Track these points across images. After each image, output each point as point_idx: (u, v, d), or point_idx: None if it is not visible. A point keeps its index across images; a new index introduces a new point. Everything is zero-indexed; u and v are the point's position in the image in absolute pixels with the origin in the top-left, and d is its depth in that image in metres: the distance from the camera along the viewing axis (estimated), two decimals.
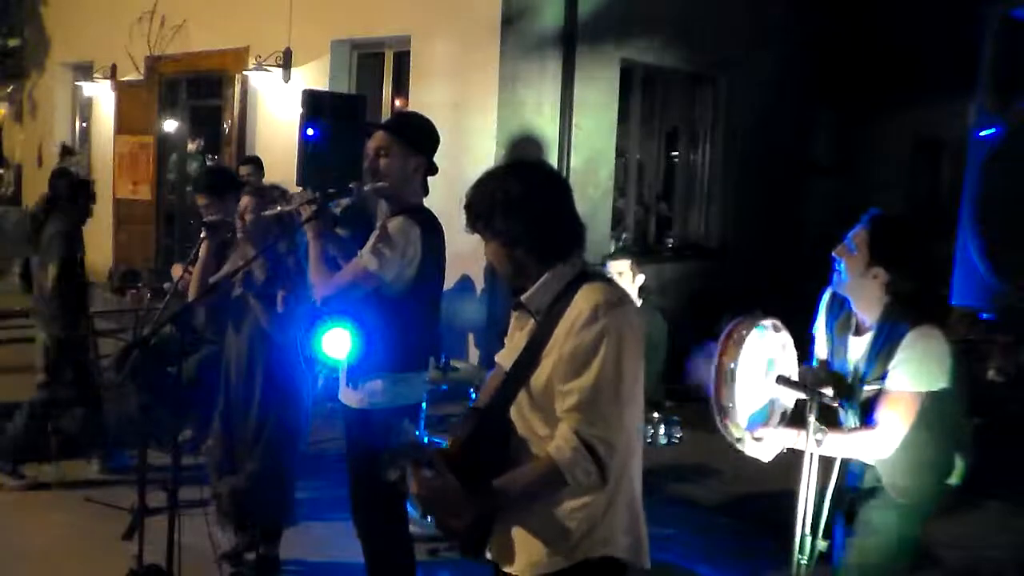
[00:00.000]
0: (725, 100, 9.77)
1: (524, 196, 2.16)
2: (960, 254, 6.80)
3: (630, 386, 2.08)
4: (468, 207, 2.22)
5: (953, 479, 3.04)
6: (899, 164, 10.74)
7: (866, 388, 2.94)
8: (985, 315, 6.80)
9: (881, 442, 2.85)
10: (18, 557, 4.49)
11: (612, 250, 8.26)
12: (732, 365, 2.78)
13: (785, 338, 2.99)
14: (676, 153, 10.05)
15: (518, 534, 2.21)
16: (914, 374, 2.82)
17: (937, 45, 9.18)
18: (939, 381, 2.85)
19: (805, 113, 10.52)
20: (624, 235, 9.09)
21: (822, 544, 2.85)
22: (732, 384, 2.78)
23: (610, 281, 2.22)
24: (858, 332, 3.01)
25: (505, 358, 2.32)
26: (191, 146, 11.55)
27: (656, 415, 4.51)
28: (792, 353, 3.02)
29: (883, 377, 2.87)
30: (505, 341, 2.41)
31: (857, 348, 3.00)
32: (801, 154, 10.62)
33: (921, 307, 2.91)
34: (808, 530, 2.81)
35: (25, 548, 4.59)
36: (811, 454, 2.77)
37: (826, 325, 3.14)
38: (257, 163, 8.21)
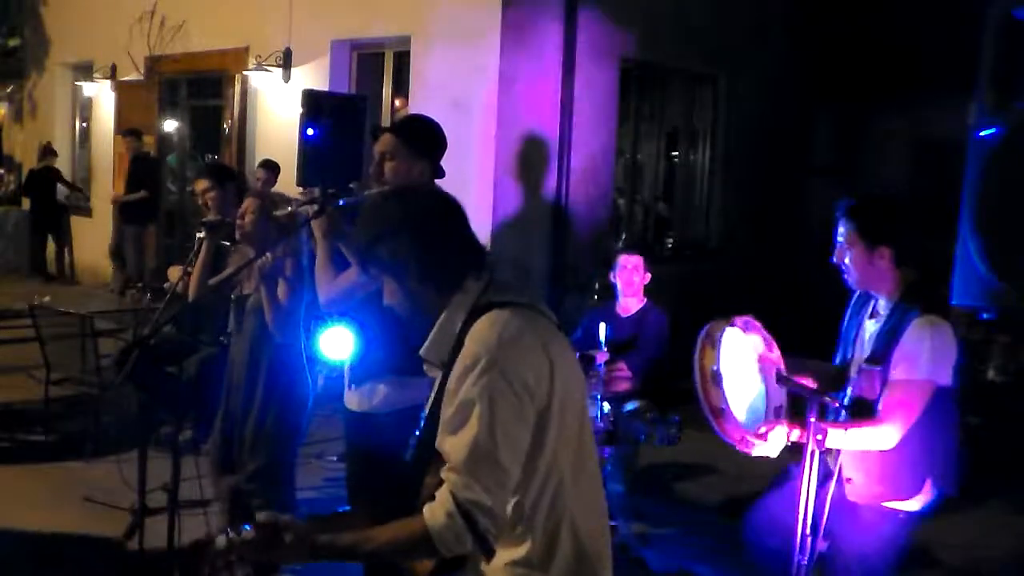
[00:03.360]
0: (725, 100, 9.76)
1: (403, 220, 2.02)
2: (960, 254, 6.79)
3: (511, 443, 1.88)
4: (353, 247, 2.11)
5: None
6: (899, 164, 10.73)
7: (864, 366, 2.91)
8: (985, 315, 6.79)
9: (884, 432, 2.80)
10: (18, 557, 4.49)
11: (619, 244, 8.27)
12: (714, 367, 2.77)
13: (760, 338, 2.98)
14: (676, 153, 10.05)
15: None
16: (922, 362, 2.77)
17: (937, 45, 9.16)
18: (945, 374, 2.81)
19: (805, 113, 10.51)
20: (623, 235, 9.09)
21: (822, 544, 2.85)
22: (719, 385, 2.77)
23: (501, 313, 1.96)
24: (874, 315, 3.01)
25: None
26: (174, 152, 11.57)
27: (655, 415, 4.52)
28: (776, 351, 3.02)
29: (886, 360, 2.83)
30: None
31: (872, 329, 2.98)
32: (801, 154, 10.62)
33: (932, 297, 2.90)
34: (808, 530, 2.82)
35: (25, 548, 4.59)
36: (812, 454, 2.78)
37: (849, 313, 3.14)
38: (271, 167, 8.22)
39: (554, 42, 7.87)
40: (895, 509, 2.93)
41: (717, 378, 2.77)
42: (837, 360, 3.16)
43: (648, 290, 5.12)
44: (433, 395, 2.05)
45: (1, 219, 13.69)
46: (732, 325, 2.88)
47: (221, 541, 1.90)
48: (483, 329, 1.93)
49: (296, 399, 4.11)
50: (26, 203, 12.93)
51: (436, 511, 1.88)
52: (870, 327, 2.99)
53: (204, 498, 4.08)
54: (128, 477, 4.01)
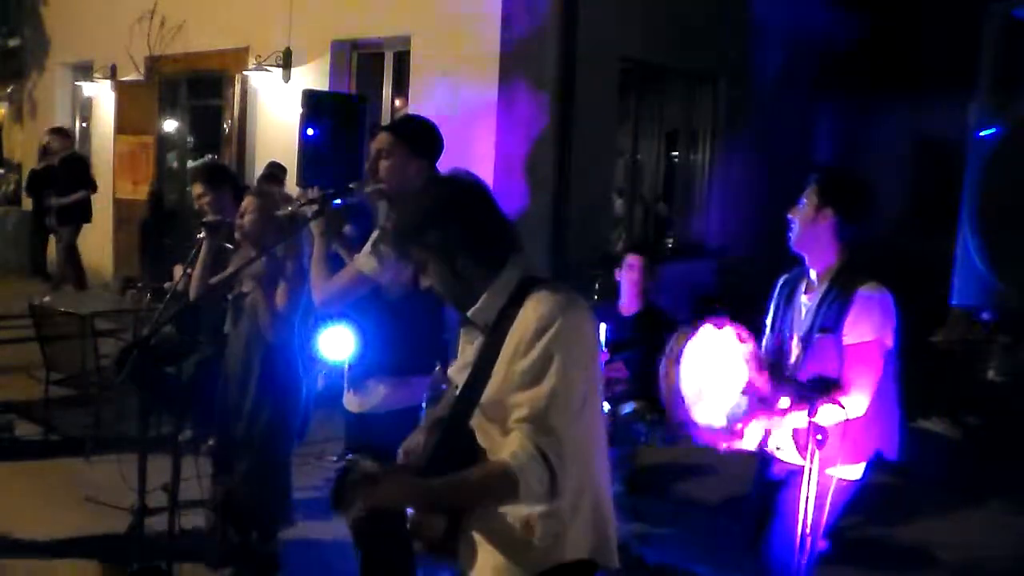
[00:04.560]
0: (725, 100, 9.77)
1: (452, 201, 2.15)
2: (960, 254, 6.80)
3: (580, 396, 2.08)
4: (396, 232, 2.21)
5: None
6: (899, 164, 10.74)
7: (816, 335, 2.95)
8: (985, 315, 6.80)
9: (856, 398, 2.84)
10: (18, 557, 4.49)
11: (619, 247, 8.26)
12: (674, 384, 2.82)
13: (734, 332, 3.00)
14: (676, 153, 10.06)
15: (482, 539, 2.19)
16: (874, 324, 2.86)
17: (937, 45, 9.17)
18: (891, 337, 2.90)
19: (805, 113, 10.52)
20: (623, 235, 9.09)
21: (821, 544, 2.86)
22: (680, 401, 2.84)
23: (555, 285, 2.16)
24: (808, 290, 3.07)
25: (457, 373, 2.29)
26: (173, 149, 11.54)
27: (654, 416, 4.52)
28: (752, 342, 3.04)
29: (838, 327, 2.88)
30: (458, 354, 2.37)
31: (807, 303, 3.04)
32: (801, 154, 10.62)
33: (872, 271, 2.96)
34: (808, 530, 2.82)
35: (25, 548, 4.59)
36: (812, 454, 2.78)
37: (776, 298, 3.21)
38: (278, 169, 8.18)
39: (554, 42, 7.86)
40: (839, 478, 2.94)
41: (676, 393, 2.82)
42: (768, 345, 3.19)
43: (649, 290, 5.14)
44: (479, 354, 2.16)
45: (1, 219, 13.69)
46: (697, 332, 2.89)
47: (371, 466, 2.07)
48: (549, 297, 2.09)
49: (290, 400, 4.10)
50: (27, 203, 12.93)
51: (520, 457, 2.02)
52: (805, 301, 3.05)
53: (204, 498, 4.09)
54: (128, 477, 4.00)
